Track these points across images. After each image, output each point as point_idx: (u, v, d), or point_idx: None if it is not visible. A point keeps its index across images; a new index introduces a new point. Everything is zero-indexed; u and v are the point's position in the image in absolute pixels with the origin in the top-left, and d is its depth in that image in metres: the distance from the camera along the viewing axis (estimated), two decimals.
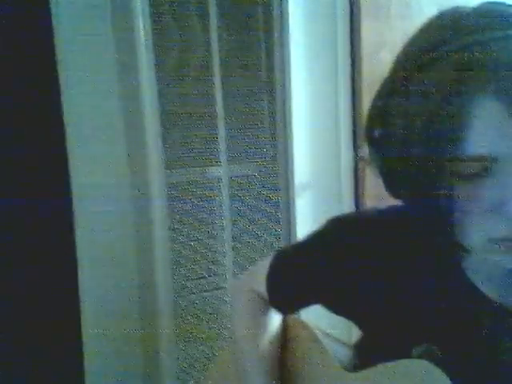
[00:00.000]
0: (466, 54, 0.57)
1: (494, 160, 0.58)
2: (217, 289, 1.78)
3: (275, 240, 1.86)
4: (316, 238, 0.82)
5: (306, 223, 1.85)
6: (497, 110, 0.56)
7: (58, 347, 1.57)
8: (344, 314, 0.80)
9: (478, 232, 0.61)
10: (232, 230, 1.79)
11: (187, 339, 1.74)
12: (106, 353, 1.62)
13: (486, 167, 0.58)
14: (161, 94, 1.63)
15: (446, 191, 0.60)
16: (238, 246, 1.81)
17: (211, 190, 1.75)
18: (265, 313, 0.90)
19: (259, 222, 1.83)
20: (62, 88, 1.53)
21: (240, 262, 1.80)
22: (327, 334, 0.87)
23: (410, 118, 0.60)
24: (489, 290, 0.69)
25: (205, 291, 1.77)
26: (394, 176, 0.65)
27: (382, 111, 0.64)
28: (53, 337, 1.55)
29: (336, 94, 1.89)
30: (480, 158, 0.58)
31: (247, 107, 1.77)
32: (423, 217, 0.66)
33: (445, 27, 0.61)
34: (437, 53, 0.59)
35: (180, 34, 1.65)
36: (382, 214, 0.77)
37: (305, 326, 0.89)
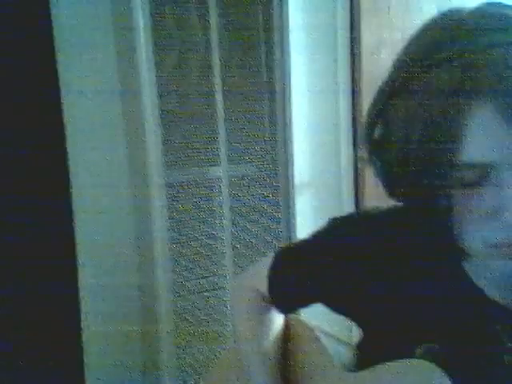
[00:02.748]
0: (466, 58, 0.57)
1: (492, 167, 0.58)
2: (217, 289, 1.78)
3: (275, 240, 1.86)
4: (317, 238, 0.82)
5: (305, 223, 1.85)
6: (494, 115, 0.56)
7: (58, 347, 1.57)
8: (345, 313, 0.81)
9: (476, 237, 0.61)
10: (232, 230, 1.79)
11: (187, 339, 1.74)
12: (106, 353, 1.62)
13: (483, 174, 0.58)
14: (161, 94, 1.64)
15: (444, 196, 0.60)
16: (238, 246, 1.81)
17: (211, 190, 1.75)
18: (266, 312, 0.90)
19: (259, 222, 1.83)
20: (62, 88, 1.53)
21: (240, 262, 1.81)
22: (328, 334, 0.87)
23: (409, 119, 0.60)
24: (490, 291, 0.69)
25: (205, 291, 1.77)
26: (392, 177, 0.65)
27: (381, 112, 0.65)
28: (53, 337, 1.55)
29: (336, 94, 1.89)
30: (478, 165, 0.58)
31: (247, 107, 1.77)
32: (423, 218, 0.66)
33: (445, 29, 0.61)
34: (436, 56, 0.59)
35: (180, 34, 1.65)
36: (382, 214, 0.77)
37: (305, 325, 0.89)
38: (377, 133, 0.66)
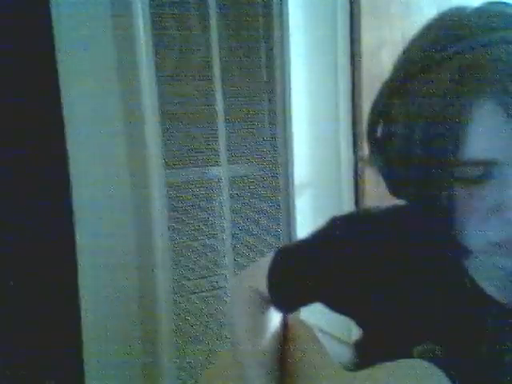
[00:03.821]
0: (467, 57, 0.57)
1: (494, 163, 0.58)
2: (217, 289, 1.78)
3: (275, 240, 1.86)
4: (317, 237, 0.82)
5: (305, 223, 1.85)
6: (496, 113, 0.56)
7: (58, 346, 1.57)
8: (344, 312, 0.81)
9: (478, 234, 0.61)
10: (232, 229, 1.79)
11: (187, 339, 1.74)
12: (106, 353, 1.62)
13: (486, 171, 0.58)
14: (161, 94, 1.64)
15: (446, 193, 0.60)
16: (238, 246, 1.81)
17: (211, 190, 1.75)
18: (265, 311, 0.90)
19: (259, 222, 1.83)
20: (62, 88, 1.53)
21: (240, 262, 1.81)
22: (327, 333, 0.87)
23: (411, 118, 0.60)
24: (491, 290, 0.68)
25: (205, 291, 1.77)
26: (394, 176, 0.65)
27: (383, 111, 0.65)
28: (53, 336, 1.55)
29: (336, 94, 1.89)
30: (480, 162, 0.58)
31: (247, 107, 1.77)
32: (424, 216, 0.66)
33: (446, 28, 0.61)
34: (438, 55, 0.59)
35: (180, 34, 1.65)
36: (383, 213, 0.77)
37: (304, 325, 0.89)
38: (379, 132, 0.66)
